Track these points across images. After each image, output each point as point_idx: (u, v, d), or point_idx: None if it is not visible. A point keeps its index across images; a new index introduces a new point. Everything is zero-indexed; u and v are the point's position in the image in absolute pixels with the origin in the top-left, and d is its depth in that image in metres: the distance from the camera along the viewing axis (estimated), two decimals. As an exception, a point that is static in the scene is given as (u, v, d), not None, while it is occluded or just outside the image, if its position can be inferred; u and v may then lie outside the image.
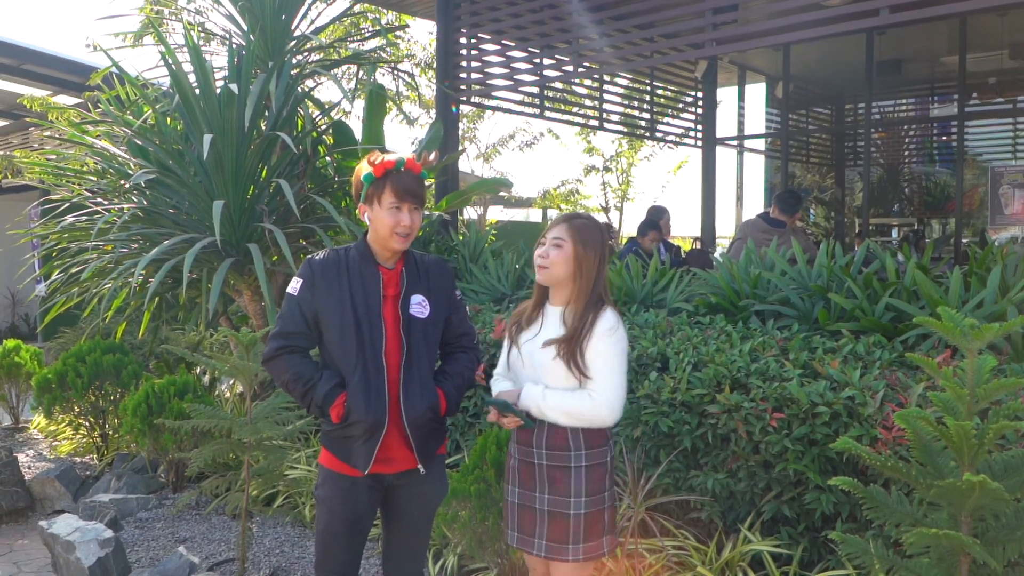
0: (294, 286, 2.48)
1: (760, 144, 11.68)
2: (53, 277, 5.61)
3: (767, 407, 3.02)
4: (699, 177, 9.93)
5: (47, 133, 7.10)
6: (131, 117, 5.20)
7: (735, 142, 10.98)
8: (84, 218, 5.52)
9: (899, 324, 3.52)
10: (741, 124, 11.01)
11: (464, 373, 2.60)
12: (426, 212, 6.05)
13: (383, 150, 2.55)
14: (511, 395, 2.47)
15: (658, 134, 10.06)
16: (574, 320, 2.40)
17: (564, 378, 2.38)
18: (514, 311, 2.62)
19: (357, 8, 8.49)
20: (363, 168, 2.48)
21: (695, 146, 10.20)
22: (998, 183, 9.10)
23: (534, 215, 18.59)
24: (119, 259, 5.06)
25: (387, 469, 2.47)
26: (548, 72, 6.85)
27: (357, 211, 2.55)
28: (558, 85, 8.51)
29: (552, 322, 2.47)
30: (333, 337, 2.44)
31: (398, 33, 10.63)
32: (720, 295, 4.22)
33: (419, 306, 2.49)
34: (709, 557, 3.15)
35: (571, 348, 2.36)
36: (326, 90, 28.32)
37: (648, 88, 9.58)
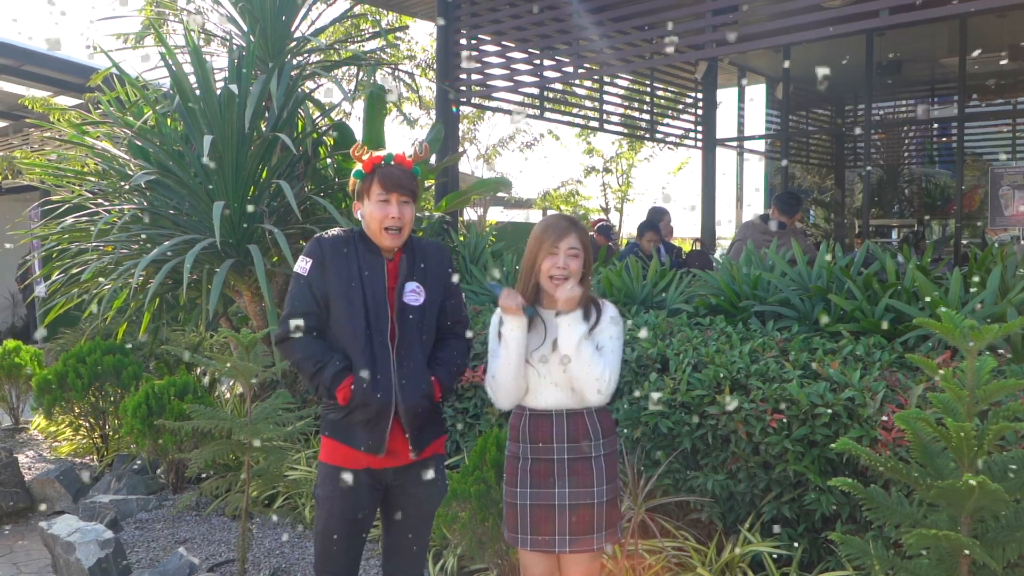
0: (303, 265, 2.48)
1: (760, 145, 11.68)
2: (53, 278, 5.61)
3: (767, 408, 3.02)
4: (699, 178, 9.93)
5: (47, 134, 7.10)
6: (131, 118, 5.20)
7: (735, 143, 10.98)
8: (84, 219, 5.52)
9: (899, 325, 3.52)
10: (741, 125, 11.01)
11: (457, 360, 2.61)
12: (427, 213, 6.05)
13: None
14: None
15: (658, 135, 10.06)
16: (583, 318, 2.45)
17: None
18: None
19: (357, 9, 8.50)
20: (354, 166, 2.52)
21: (695, 147, 10.20)
22: (998, 184, 9.10)
23: (534, 216, 18.60)
24: (119, 260, 5.06)
25: (389, 463, 2.47)
26: (548, 73, 6.86)
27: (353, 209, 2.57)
28: (558, 86, 8.52)
29: (559, 327, 2.47)
30: (342, 317, 2.44)
31: (398, 34, 10.64)
32: (720, 296, 4.22)
33: (413, 294, 2.50)
34: (709, 558, 3.15)
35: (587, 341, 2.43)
36: (326, 91, 28.33)
37: (648, 89, 9.58)
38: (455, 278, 2.64)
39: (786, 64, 9.89)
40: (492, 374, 2.51)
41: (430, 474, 2.55)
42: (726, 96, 11.36)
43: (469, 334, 2.72)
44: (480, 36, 7.05)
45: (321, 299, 2.46)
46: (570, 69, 6.76)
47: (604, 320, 2.48)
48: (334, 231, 2.55)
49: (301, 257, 2.50)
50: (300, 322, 2.46)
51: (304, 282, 2.46)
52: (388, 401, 2.41)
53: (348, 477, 2.46)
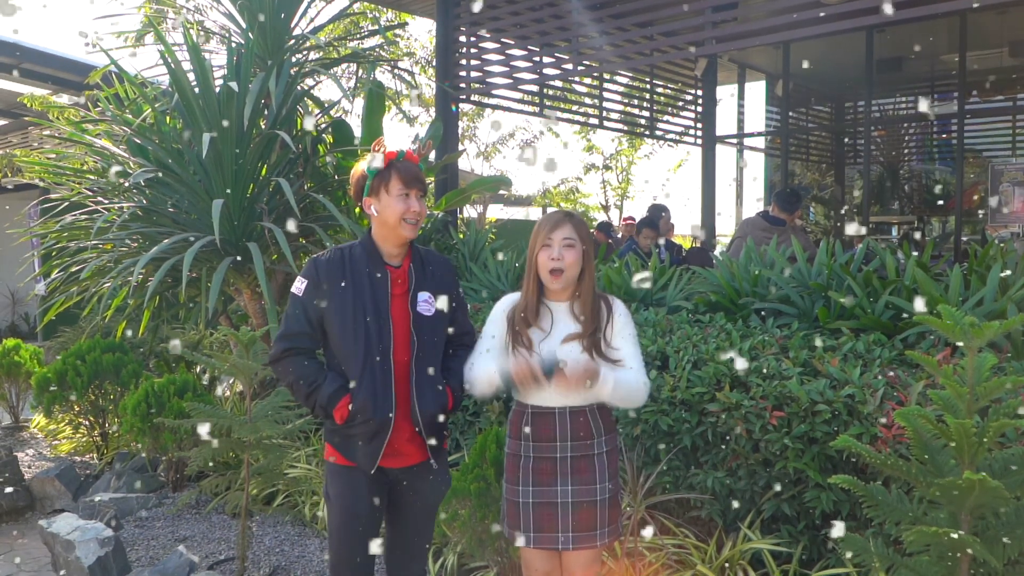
0: (299, 287, 2.48)
1: (760, 142, 11.67)
2: (52, 276, 5.61)
3: (767, 405, 3.02)
4: (699, 175, 9.92)
5: (47, 132, 7.09)
6: (130, 116, 5.19)
7: (735, 140, 10.96)
8: (83, 217, 5.51)
9: (899, 322, 3.52)
10: (741, 122, 11.00)
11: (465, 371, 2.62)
12: (427, 212, 6.04)
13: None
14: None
15: (658, 132, 10.06)
16: (588, 314, 2.44)
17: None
18: (509, 307, 2.56)
19: (356, 7, 8.48)
20: (364, 163, 2.50)
21: (695, 144, 10.19)
22: (998, 181, 9.08)
23: (534, 213, 18.60)
24: (118, 258, 5.05)
25: (395, 463, 2.48)
26: (548, 70, 6.85)
27: (359, 207, 2.57)
28: (558, 83, 8.51)
29: (562, 318, 2.48)
30: (339, 338, 2.44)
31: (397, 31, 10.62)
32: (720, 293, 4.22)
33: (426, 303, 2.50)
34: (709, 555, 3.15)
35: (596, 340, 2.43)
36: (326, 89, 28.31)
37: (648, 86, 9.57)
38: (460, 289, 2.66)
39: (786, 61, 9.90)
40: (470, 364, 2.54)
41: (434, 467, 2.55)
42: (726, 93, 11.35)
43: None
44: (480, 33, 7.04)
45: (316, 320, 2.46)
46: (569, 66, 6.75)
47: (618, 321, 2.46)
48: (330, 250, 2.54)
49: (298, 278, 2.50)
50: (292, 343, 2.46)
51: (299, 303, 2.46)
52: (387, 420, 2.40)
53: (354, 476, 2.47)
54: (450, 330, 2.60)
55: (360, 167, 2.52)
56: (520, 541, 2.49)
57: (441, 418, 2.49)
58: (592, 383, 2.33)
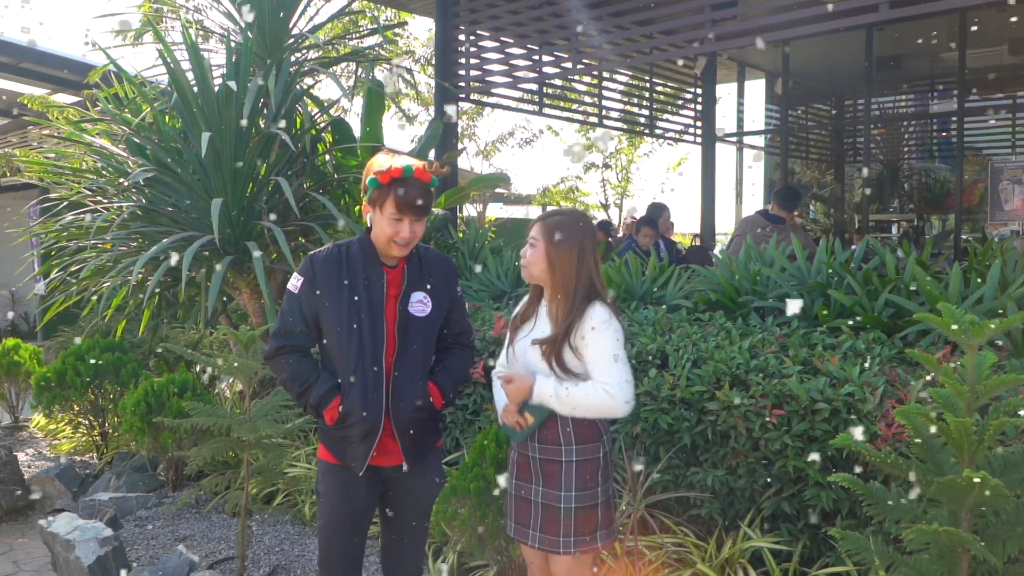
0: (295, 283, 2.45)
1: (760, 140, 11.65)
2: (52, 276, 5.60)
3: (767, 404, 3.01)
4: (699, 174, 9.91)
5: (46, 131, 7.08)
6: (129, 115, 5.18)
7: (735, 139, 10.96)
8: (83, 217, 5.50)
9: (899, 320, 3.52)
10: (741, 120, 10.99)
11: (461, 369, 2.61)
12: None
13: (388, 148, 2.51)
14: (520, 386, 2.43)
15: (657, 131, 10.05)
16: (559, 318, 2.39)
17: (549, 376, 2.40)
18: (518, 307, 2.62)
19: (355, 5, 8.48)
20: (371, 168, 2.41)
21: (694, 143, 10.19)
22: (998, 179, 9.08)
23: (534, 212, 18.60)
24: (118, 257, 5.05)
25: (385, 462, 2.47)
26: (547, 69, 6.84)
27: (360, 208, 2.55)
28: (557, 82, 8.50)
29: (543, 320, 2.47)
30: (332, 336, 2.42)
31: (397, 30, 10.61)
32: (719, 292, 4.21)
33: (419, 304, 2.47)
34: (709, 554, 3.15)
35: (555, 348, 2.34)
36: (325, 88, 28.28)
37: (647, 85, 9.56)
38: (459, 289, 2.63)
39: (785, 59, 9.88)
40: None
41: (426, 467, 2.55)
42: (725, 91, 11.34)
43: (476, 343, 2.72)
44: (479, 32, 7.03)
45: (311, 318, 2.43)
46: (569, 65, 6.74)
47: (585, 326, 2.32)
48: (327, 247, 2.50)
49: (294, 275, 2.48)
50: (287, 340, 2.46)
51: (294, 300, 2.44)
52: (377, 421, 2.39)
53: (346, 473, 2.46)
54: (445, 329, 2.59)
55: (371, 167, 2.42)
56: (506, 528, 2.56)
57: (421, 422, 2.46)
58: (523, 403, 2.40)
